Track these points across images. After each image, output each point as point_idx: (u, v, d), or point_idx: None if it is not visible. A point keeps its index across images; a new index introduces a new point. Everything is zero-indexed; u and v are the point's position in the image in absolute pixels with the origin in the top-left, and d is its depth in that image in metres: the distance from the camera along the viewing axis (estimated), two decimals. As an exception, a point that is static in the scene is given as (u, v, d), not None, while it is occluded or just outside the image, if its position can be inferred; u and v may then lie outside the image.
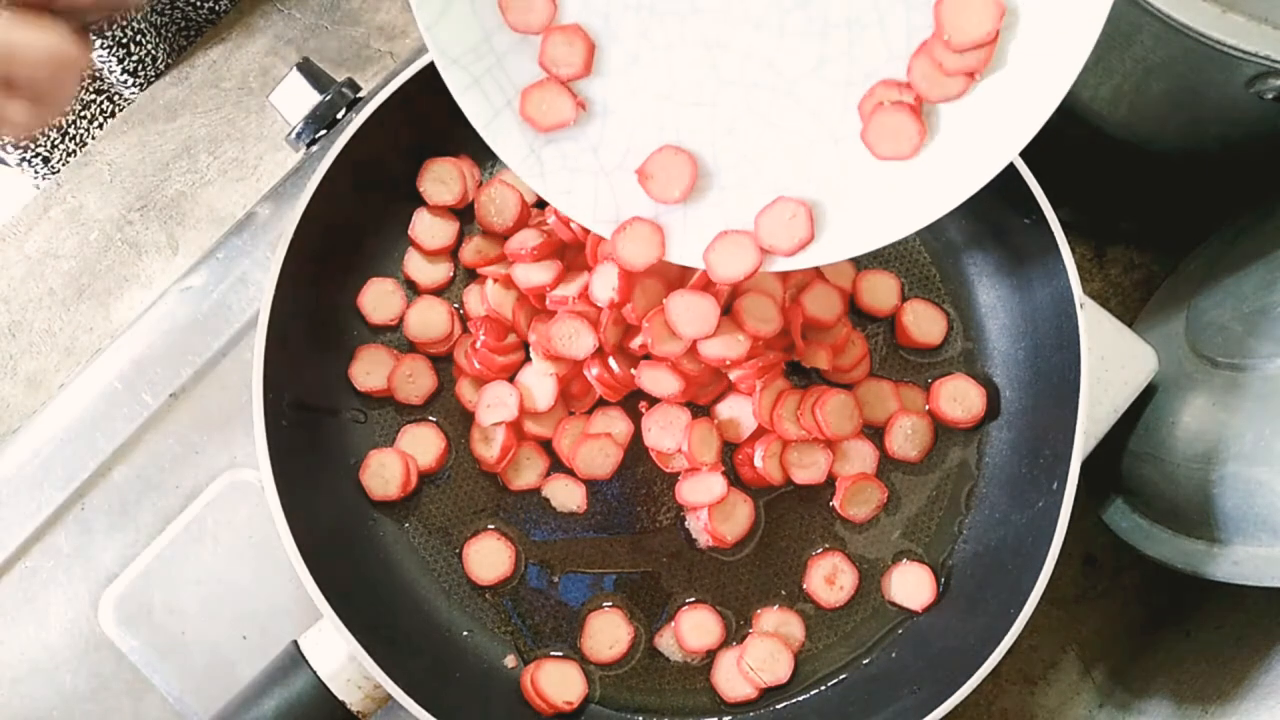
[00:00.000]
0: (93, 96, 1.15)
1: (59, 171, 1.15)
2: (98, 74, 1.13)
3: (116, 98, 1.17)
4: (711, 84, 0.64)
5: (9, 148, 1.12)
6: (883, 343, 0.80)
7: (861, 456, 0.77)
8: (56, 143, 1.15)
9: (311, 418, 0.74)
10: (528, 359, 0.77)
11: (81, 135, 1.16)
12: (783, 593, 0.76)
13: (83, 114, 1.15)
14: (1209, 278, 0.88)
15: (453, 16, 0.64)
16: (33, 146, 1.13)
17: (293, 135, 0.82)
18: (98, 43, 1.04)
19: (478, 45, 0.64)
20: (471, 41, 0.64)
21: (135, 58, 1.08)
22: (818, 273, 0.78)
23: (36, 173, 1.16)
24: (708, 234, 0.65)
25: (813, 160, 0.64)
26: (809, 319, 0.76)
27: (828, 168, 0.64)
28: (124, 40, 1.06)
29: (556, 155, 0.66)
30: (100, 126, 1.17)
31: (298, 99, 0.81)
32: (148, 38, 1.08)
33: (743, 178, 0.65)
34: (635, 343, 0.73)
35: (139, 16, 1.06)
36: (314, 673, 0.67)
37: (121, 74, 1.09)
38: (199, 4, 1.13)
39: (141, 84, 1.11)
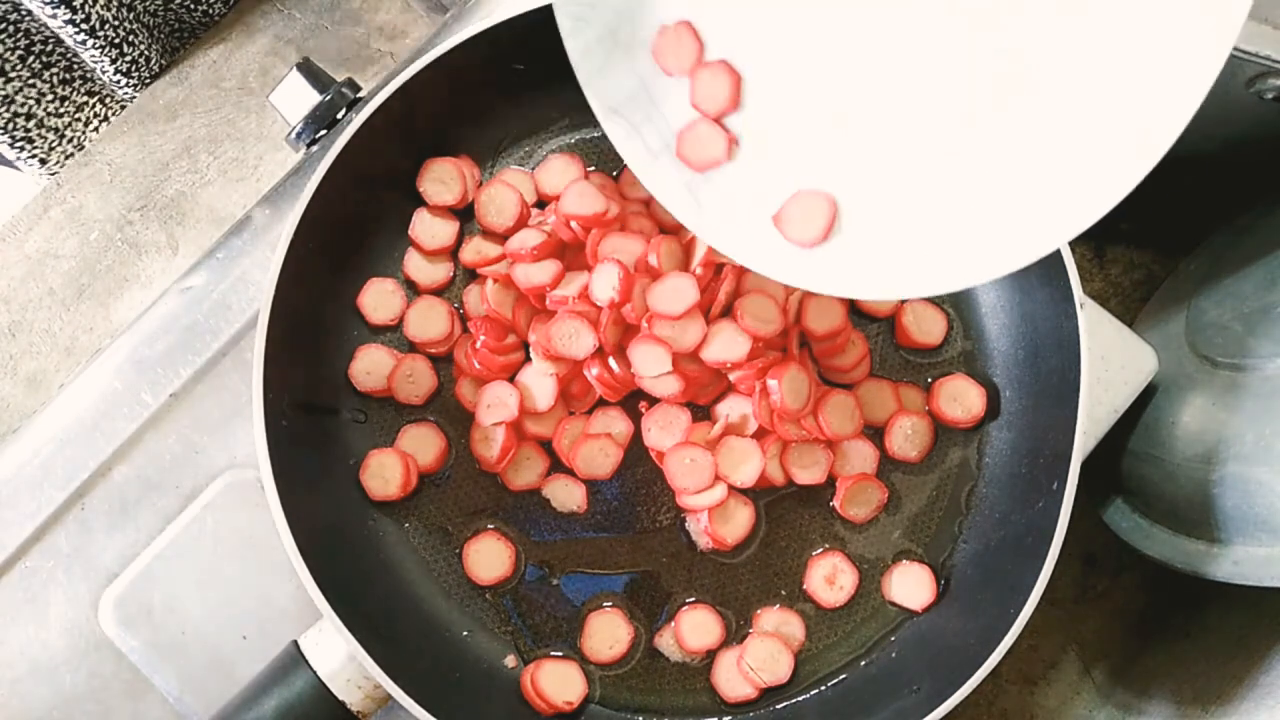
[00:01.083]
0: (85, 98, 1.15)
1: (56, 173, 1.15)
2: (90, 75, 1.13)
3: (109, 99, 1.17)
4: (858, 98, 0.63)
5: (5, 146, 1.12)
6: (883, 343, 0.80)
7: (861, 456, 0.77)
8: (54, 144, 1.15)
9: (311, 418, 0.74)
10: (528, 359, 0.77)
11: (78, 137, 1.16)
12: (783, 593, 0.76)
13: (78, 115, 1.15)
14: (1209, 278, 0.88)
15: (611, 67, 0.65)
16: (29, 147, 1.13)
17: (293, 135, 0.82)
18: (90, 42, 1.04)
19: (635, 93, 0.66)
20: (630, 90, 0.66)
21: (128, 58, 1.08)
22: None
23: (35, 172, 1.16)
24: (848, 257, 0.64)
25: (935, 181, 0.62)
26: (810, 332, 0.76)
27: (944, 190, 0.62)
28: (116, 40, 1.06)
29: (713, 193, 0.66)
30: (96, 129, 1.17)
31: (298, 99, 0.81)
32: (140, 38, 1.08)
33: (882, 194, 0.64)
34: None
35: (130, 16, 1.06)
36: (314, 673, 0.67)
37: (115, 74, 1.09)
38: (192, 6, 1.13)
39: (136, 84, 1.11)
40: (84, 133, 1.16)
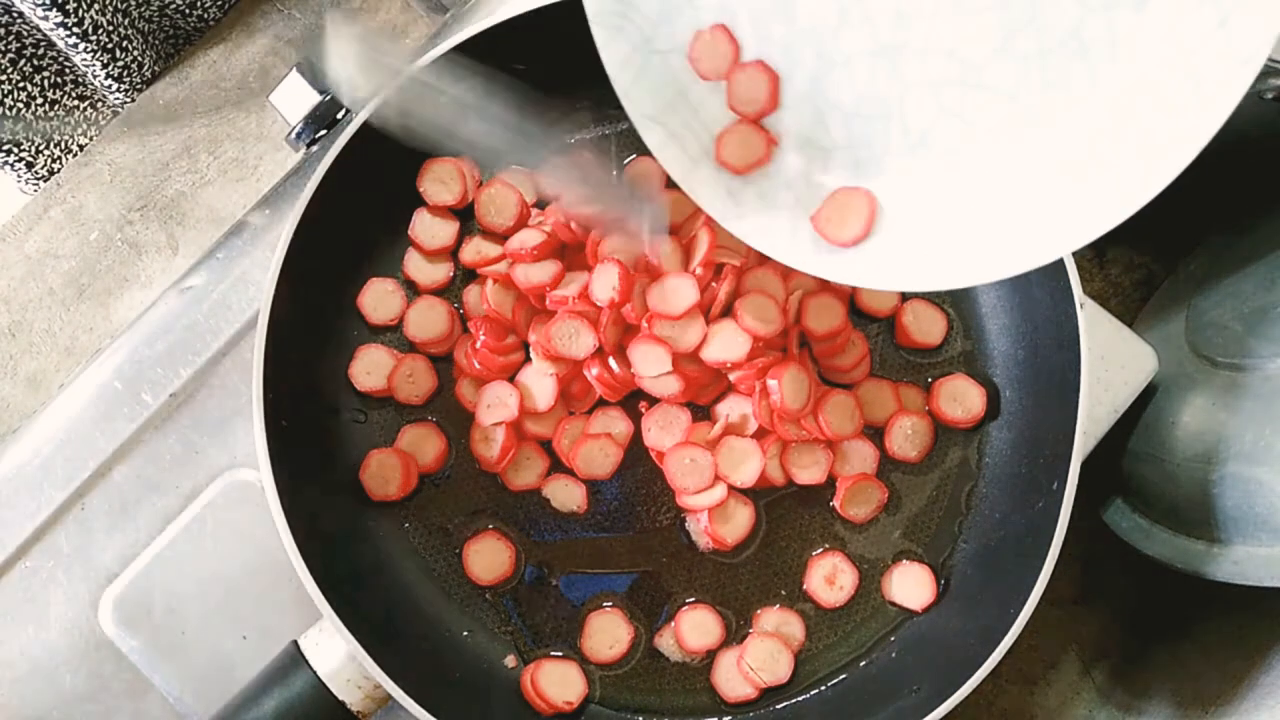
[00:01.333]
0: (76, 103, 1.14)
1: (44, 178, 1.15)
2: (82, 80, 1.13)
3: (101, 105, 1.16)
4: (896, 91, 0.63)
5: None
6: (883, 343, 0.80)
7: (861, 456, 0.77)
8: (41, 148, 1.14)
9: (311, 418, 0.74)
10: (528, 359, 0.77)
11: (66, 141, 1.16)
12: (783, 593, 0.76)
13: (67, 120, 1.15)
14: (1209, 278, 0.88)
15: (648, 76, 0.65)
16: (16, 151, 1.13)
17: (293, 135, 0.82)
18: (82, 46, 1.04)
19: (673, 100, 0.66)
20: (667, 97, 0.66)
21: (121, 63, 1.08)
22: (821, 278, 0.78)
23: (20, 177, 1.16)
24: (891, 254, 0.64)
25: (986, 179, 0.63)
26: (810, 332, 0.76)
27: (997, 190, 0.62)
28: (109, 45, 1.05)
29: (754, 196, 0.67)
30: (84, 134, 1.17)
31: (298, 99, 0.81)
32: (134, 44, 1.07)
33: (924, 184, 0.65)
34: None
35: (125, 21, 1.06)
36: (314, 673, 0.67)
37: (106, 79, 1.09)
38: (187, 12, 1.12)
39: (128, 90, 1.11)
40: (72, 138, 1.16)
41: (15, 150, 1.12)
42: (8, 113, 1.09)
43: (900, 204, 0.64)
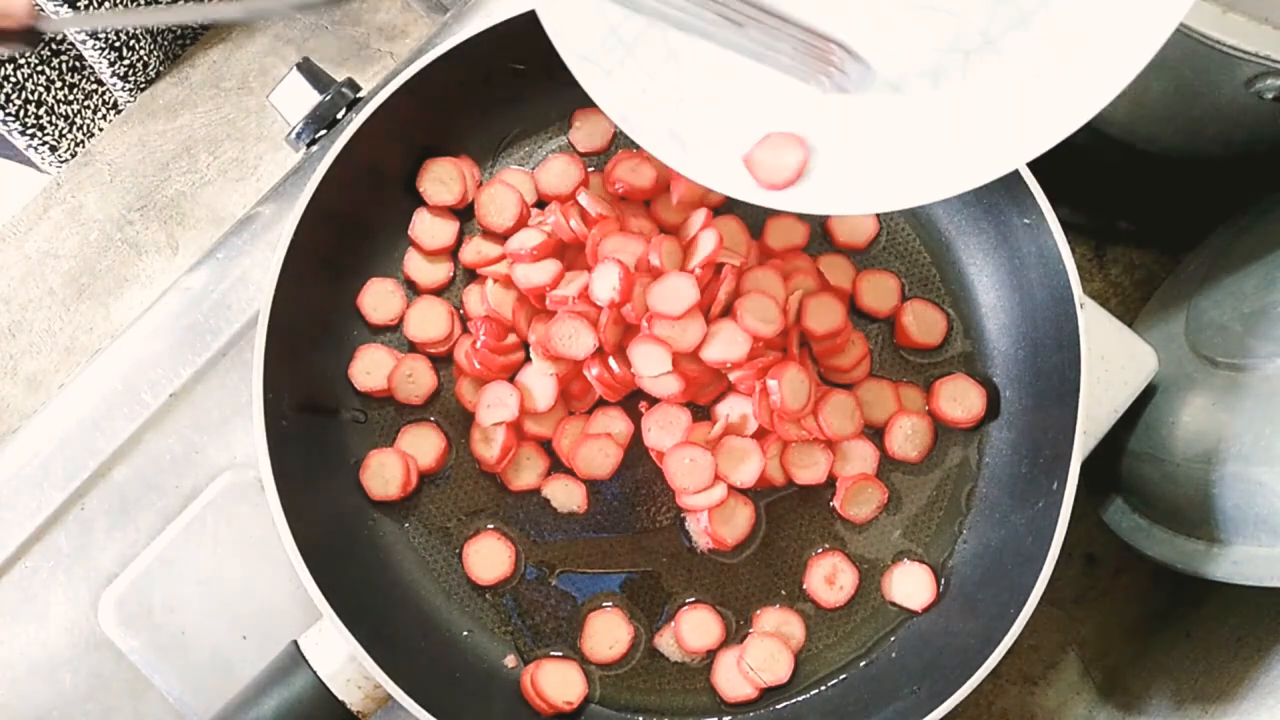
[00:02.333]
0: (95, 86, 1.15)
1: (66, 162, 1.15)
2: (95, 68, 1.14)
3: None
4: (845, 21, 0.62)
5: (16, 134, 1.12)
6: (883, 343, 0.80)
7: (862, 457, 0.77)
8: (64, 131, 1.15)
9: (311, 418, 0.74)
10: (528, 359, 0.77)
11: (87, 125, 1.17)
12: (783, 593, 0.76)
13: (86, 103, 1.16)
14: (1209, 278, 0.88)
15: (580, 15, 0.65)
16: (40, 135, 1.13)
17: (293, 135, 0.82)
18: (90, 44, 1.05)
19: (606, 38, 0.65)
20: (600, 35, 0.65)
21: (127, 62, 1.08)
22: (821, 278, 0.78)
23: (44, 160, 1.17)
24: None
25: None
26: (810, 332, 0.76)
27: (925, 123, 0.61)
28: (117, 45, 1.06)
29: (697, 134, 0.66)
30: (105, 117, 1.17)
31: (298, 99, 0.81)
32: (141, 43, 1.08)
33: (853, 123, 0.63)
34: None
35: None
36: (314, 673, 0.67)
37: (111, 77, 1.10)
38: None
39: (132, 89, 1.12)
40: (93, 120, 1.17)
41: (39, 134, 1.13)
42: (30, 97, 1.10)
43: (835, 143, 0.63)
